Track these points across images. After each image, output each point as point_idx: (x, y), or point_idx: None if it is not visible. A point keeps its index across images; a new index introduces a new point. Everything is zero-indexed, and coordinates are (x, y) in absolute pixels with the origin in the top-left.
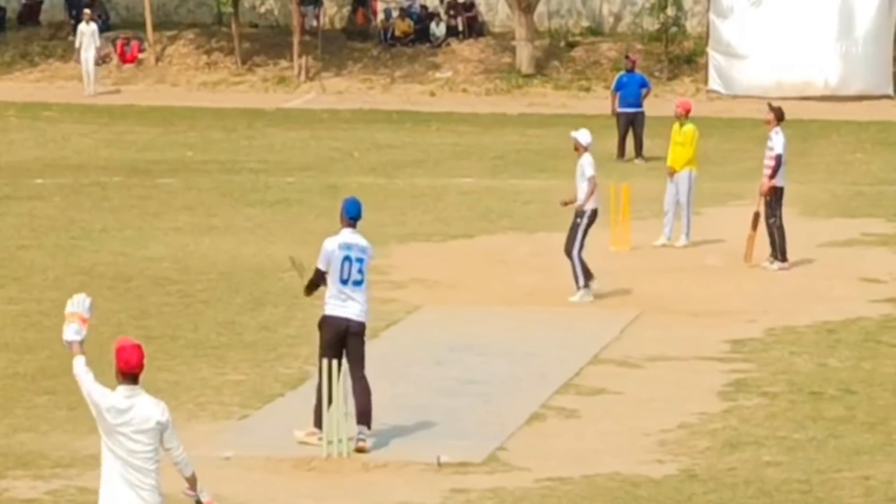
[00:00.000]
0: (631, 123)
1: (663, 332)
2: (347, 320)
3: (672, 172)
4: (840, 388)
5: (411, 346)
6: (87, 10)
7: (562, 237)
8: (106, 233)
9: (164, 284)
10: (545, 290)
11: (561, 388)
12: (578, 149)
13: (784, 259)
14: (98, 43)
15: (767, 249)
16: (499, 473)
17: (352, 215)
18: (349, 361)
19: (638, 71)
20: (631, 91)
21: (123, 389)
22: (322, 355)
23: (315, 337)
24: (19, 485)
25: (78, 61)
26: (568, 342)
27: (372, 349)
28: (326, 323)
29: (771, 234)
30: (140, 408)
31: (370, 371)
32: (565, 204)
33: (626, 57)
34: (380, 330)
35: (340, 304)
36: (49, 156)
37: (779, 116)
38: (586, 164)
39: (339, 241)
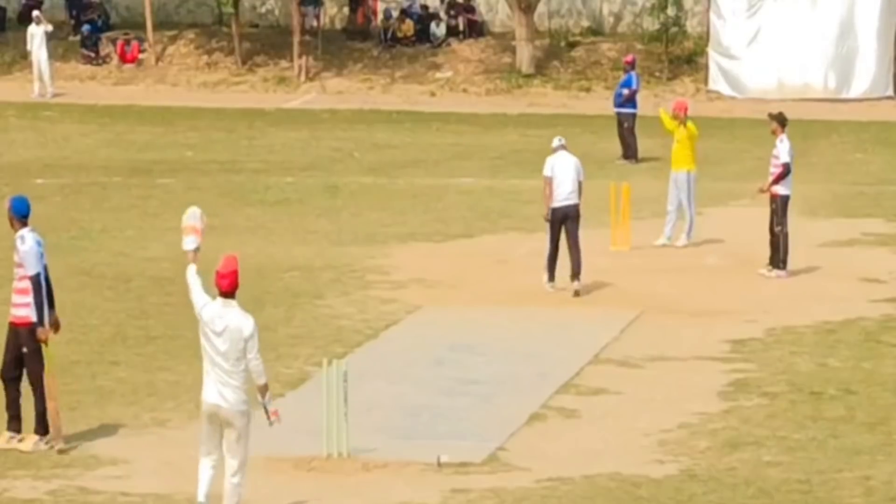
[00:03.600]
0: (619, 123)
1: (663, 332)
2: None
3: (689, 176)
4: (840, 388)
5: (411, 346)
6: (36, 13)
7: (562, 237)
8: (106, 233)
9: (164, 284)
10: (545, 290)
11: (561, 388)
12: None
13: (784, 267)
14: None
15: (767, 256)
16: (499, 473)
17: (25, 214)
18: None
19: (635, 72)
20: (618, 92)
21: (220, 301)
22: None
23: (316, 337)
24: (19, 485)
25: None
26: (568, 342)
27: (372, 349)
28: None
29: (776, 242)
30: (231, 318)
31: (372, 370)
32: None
33: (625, 62)
34: (380, 330)
35: (48, 310)
36: (49, 156)
37: (781, 123)
38: (545, 165)
39: (35, 238)
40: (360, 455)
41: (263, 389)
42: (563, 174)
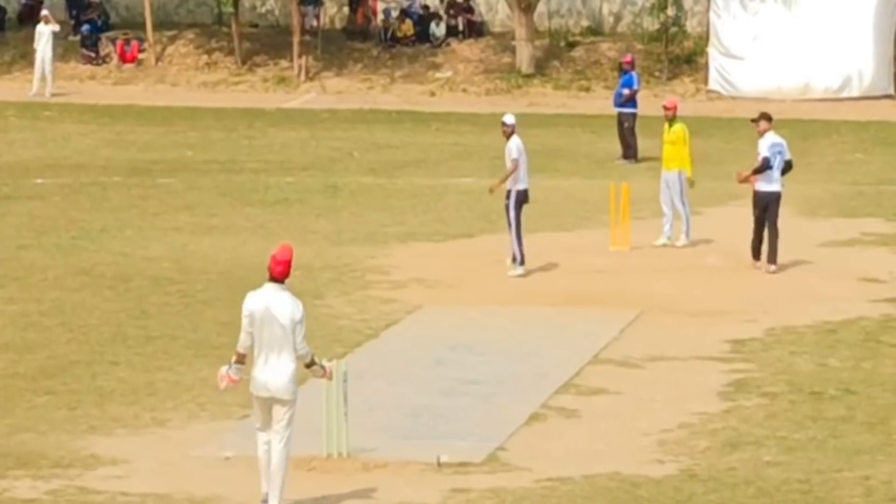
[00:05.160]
0: (619, 123)
1: (663, 332)
2: None
3: (690, 180)
4: (840, 388)
5: (411, 346)
6: (44, 12)
7: (562, 237)
8: (106, 233)
9: (164, 284)
10: (545, 290)
11: (561, 388)
12: (505, 132)
13: (757, 258)
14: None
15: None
16: (499, 473)
17: None
18: None
19: (635, 72)
20: (619, 92)
21: (271, 286)
22: None
23: (315, 337)
24: (19, 485)
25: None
26: (568, 342)
27: (372, 349)
28: None
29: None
30: (283, 302)
31: (371, 370)
32: (491, 190)
33: (622, 62)
34: (380, 330)
35: None
36: (49, 156)
37: (768, 119)
38: (512, 146)
39: None
40: (360, 455)
41: (310, 365)
42: (525, 157)
